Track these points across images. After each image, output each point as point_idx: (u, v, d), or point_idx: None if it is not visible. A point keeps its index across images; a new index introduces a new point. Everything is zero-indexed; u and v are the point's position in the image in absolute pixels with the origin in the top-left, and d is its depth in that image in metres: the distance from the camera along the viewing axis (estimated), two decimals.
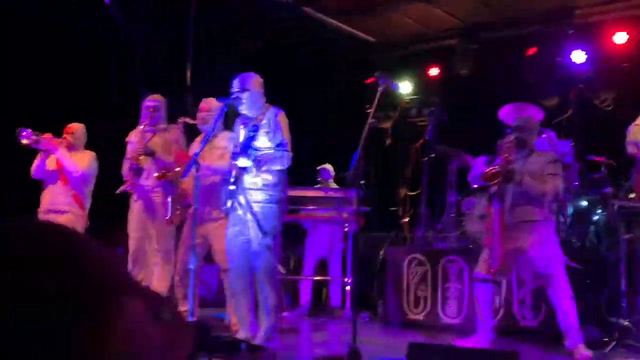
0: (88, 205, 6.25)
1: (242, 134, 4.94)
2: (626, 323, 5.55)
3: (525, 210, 5.12)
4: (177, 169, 5.63)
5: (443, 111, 8.05)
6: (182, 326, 0.60)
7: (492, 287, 5.23)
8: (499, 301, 6.00)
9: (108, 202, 6.31)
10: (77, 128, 6.30)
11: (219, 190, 5.30)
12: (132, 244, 5.97)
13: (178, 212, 5.65)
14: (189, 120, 5.87)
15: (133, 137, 6.10)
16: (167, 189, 5.73)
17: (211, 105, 5.74)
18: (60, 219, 5.94)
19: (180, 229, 5.86)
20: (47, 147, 6.05)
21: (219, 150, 5.58)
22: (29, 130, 5.96)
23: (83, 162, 6.16)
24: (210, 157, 5.54)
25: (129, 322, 0.55)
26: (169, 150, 5.95)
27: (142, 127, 6.00)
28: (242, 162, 4.76)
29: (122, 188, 5.95)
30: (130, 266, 5.96)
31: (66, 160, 6.05)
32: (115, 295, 0.55)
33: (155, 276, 5.91)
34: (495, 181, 5.02)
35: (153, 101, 6.08)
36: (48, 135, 6.06)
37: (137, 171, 5.83)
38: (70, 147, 6.17)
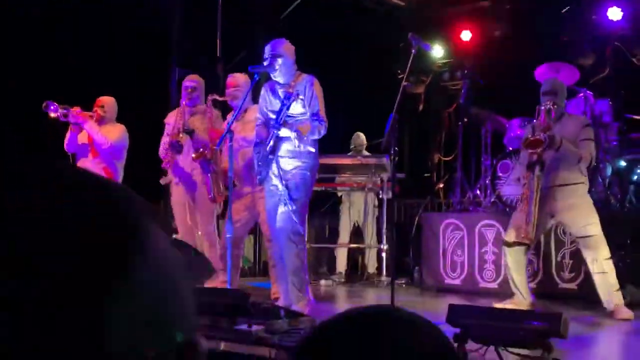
0: (120, 177, 6.22)
1: (273, 102, 4.91)
2: None
3: (558, 175, 5.07)
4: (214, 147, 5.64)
5: (476, 74, 7.93)
6: (196, 252, 0.61)
7: (524, 251, 5.18)
8: (534, 264, 5.96)
9: (139, 180, 6.35)
10: (108, 101, 6.30)
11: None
12: (180, 229, 6.01)
13: (221, 190, 5.65)
14: (217, 97, 5.86)
15: (171, 118, 6.11)
16: (205, 167, 5.74)
17: (238, 80, 5.72)
18: None
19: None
20: (76, 120, 6.04)
21: (251, 123, 5.57)
22: (56, 104, 5.99)
23: (112, 134, 6.14)
24: (244, 131, 5.55)
25: (157, 247, 0.54)
26: (206, 130, 5.95)
27: (181, 107, 6.03)
28: (284, 132, 4.74)
29: (163, 179, 5.99)
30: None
31: (95, 133, 6.05)
32: (141, 220, 0.55)
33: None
34: (538, 149, 4.95)
35: (191, 81, 6.07)
36: (77, 109, 6.07)
37: (177, 148, 5.83)
38: (101, 120, 6.19)
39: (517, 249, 5.17)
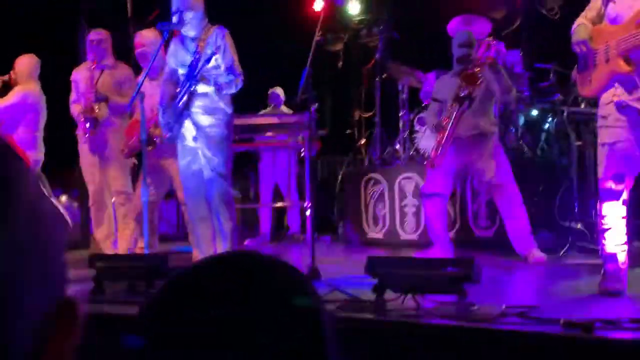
0: (32, 143, 5.93)
1: (185, 55, 4.77)
2: (578, 226, 5.70)
3: (473, 124, 5.16)
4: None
5: (392, 29, 7.94)
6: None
7: (441, 200, 5.30)
8: (451, 215, 6.10)
9: (55, 142, 6.14)
10: (19, 61, 5.99)
11: None
12: (90, 190, 5.90)
13: (130, 144, 5.55)
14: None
15: (79, 75, 5.91)
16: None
17: (145, 38, 5.57)
18: None
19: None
20: None
21: None
22: None
23: (7, 98, 5.87)
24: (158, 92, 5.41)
25: (29, 192, 0.52)
26: (120, 90, 5.79)
27: (88, 65, 5.83)
28: (203, 88, 4.62)
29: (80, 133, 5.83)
30: (93, 211, 5.90)
31: None
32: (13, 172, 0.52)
33: (120, 218, 5.89)
34: (476, 83, 4.99)
35: (97, 34, 5.89)
36: None
37: (93, 122, 5.69)
38: (14, 83, 5.92)
39: (435, 200, 5.27)
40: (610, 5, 3.65)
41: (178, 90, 4.72)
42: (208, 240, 4.86)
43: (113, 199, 5.88)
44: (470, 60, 5.19)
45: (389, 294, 3.23)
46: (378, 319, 3.09)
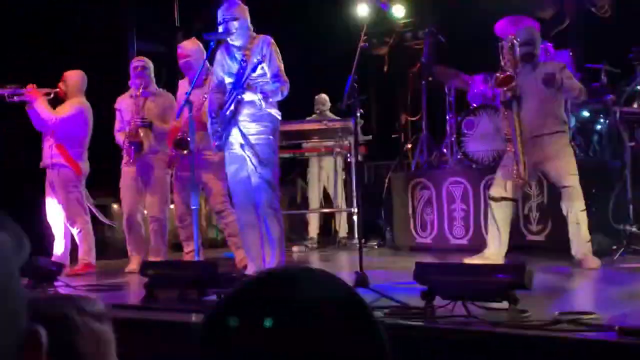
0: (80, 156, 6.01)
1: (231, 65, 4.82)
2: (633, 229, 5.56)
3: (540, 124, 5.07)
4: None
5: (438, 32, 7.89)
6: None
7: (511, 206, 5.21)
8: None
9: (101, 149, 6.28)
10: (70, 75, 6.06)
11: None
12: (126, 210, 6.00)
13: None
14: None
15: (123, 104, 6.02)
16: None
17: (187, 50, 5.65)
18: (53, 173, 5.91)
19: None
20: (27, 99, 5.83)
21: None
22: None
23: (63, 110, 5.94)
24: (204, 103, 5.48)
25: None
26: (165, 117, 5.89)
27: (132, 92, 5.94)
28: (249, 96, 4.67)
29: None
30: (126, 231, 6.01)
31: (40, 109, 5.81)
32: None
33: (152, 243, 6.03)
34: (509, 86, 4.93)
35: (139, 61, 6.01)
36: (31, 86, 5.89)
37: (138, 147, 5.81)
38: (64, 97, 6.04)
39: (504, 204, 5.18)
40: None
41: (226, 99, 4.77)
42: (256, 247, 4.89)
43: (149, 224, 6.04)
44: (533, 55, 5.11)
45: (438, 301, 3.21)
46: (427, 326, 3.07)
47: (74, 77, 6.10)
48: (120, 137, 5.99)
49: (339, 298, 0.74)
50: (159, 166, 5.92)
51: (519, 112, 4.99)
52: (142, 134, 5.78)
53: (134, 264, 5.72)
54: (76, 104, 6.00)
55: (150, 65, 6.05)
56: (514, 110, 4.99)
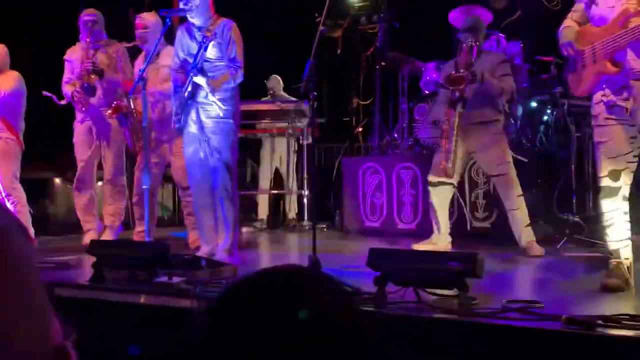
0: (21, 127, 5.94)
1: (191, 45, 4.75)
2: (576, 219, 5.73)
3: (477, 112, 5.17)
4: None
5: (393, 17, 7.92)
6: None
7: (446, 191, 5.32)
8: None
9: (43, 123, 6.14)
10: None
11: (170, 110, 5.22)
12: (80, 166, 5.90)
13: (140, 140, 5.52)
14: (125, 43, 5.71)
15: (73, 55, 5.92)
16: (122, 121, 5.62)
17: (147, 21, 5.55)
18: None
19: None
20: None
21: (165, 69, 5.43)
22: None
23: (6, 84, 5.84)
24: (156, 77, 5.40)
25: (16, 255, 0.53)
26: (115, 67, 5.81)
27: (82, 45, 5.82)
28: (199, 79, 4.61)
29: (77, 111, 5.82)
30: (75, 190, 5.92)
31: None
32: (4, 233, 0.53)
33: (107, 203, 5.93)
34: (461, 86, 5.02)
35: (90, 15, 5.90)
36: None
37: (90, 90, 5.71)
38: None
39: (442, 188, 5.29)
40: (593, 7, 3.72)
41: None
42: (211, 229, 4.87)
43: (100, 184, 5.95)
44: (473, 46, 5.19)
45: (390, 287, 3.25)
46: (379, 311, 3.11)
47: (2, 50, 5.98)
48: (68, 89, 5.86)
49: (336, 308, 0.74)
50: (114, 120, 5.81)
51: (462, 112, 5.09)
52: (93, 78, 5.67)
53: (88, 238, 5.65)
54: (15, 77, 5.91)
55: (101, 17, 5.97)
56: (457, 110, 5.09)
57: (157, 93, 5.25)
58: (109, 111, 5.57)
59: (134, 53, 5.98)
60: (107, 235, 5.84)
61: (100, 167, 6.10)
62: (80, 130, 5.90)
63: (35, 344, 0.53)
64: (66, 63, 5.94)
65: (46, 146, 6.32)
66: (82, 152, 5.89)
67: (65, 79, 5.95)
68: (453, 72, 5.14)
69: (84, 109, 5.77)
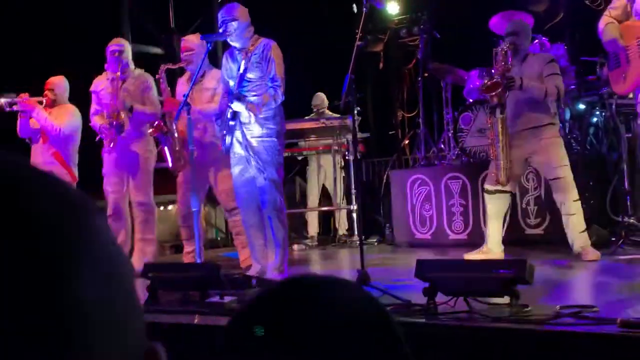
0: (74, 161, 6.09)
1: (233, 68, 4.84)
2: (631, 220, 5.59)
3: (528, 117, 5.09)
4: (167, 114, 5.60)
5: (433, 28, 7.91)
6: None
7: (506, 198, 5.24)
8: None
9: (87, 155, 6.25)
10: (57, 82, 6.10)
11: (213, 132, 5.29)
12: (110, 200, 5.90)
13: (181, 160, 5.58)
14: (170, 65, 5.74)
15: (100, 86, 5.93)
16: (162, 140, 5.67)
17: (191, 43, 5.60)
18: None
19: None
20: (24, 109, 5.88)
21: (208, 91, 5.51)
22: None
23: (61, 118, 5.97)
24: (199, 99, 5.48)
25: (103, 241, 0.52)
26: (144, 98, 5.82)
27: (109, 75, 5.85)
28: (237, 106, 4.69)
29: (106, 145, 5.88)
30: (110, 221, 5.92)
31: (42, 121, 5.88)
32: (87, 217, 0.52)
33: (139, 230, 5.95)
34: (495, 92, 4.97)
35: (117, 45, 5.87)
36: (24, 96, 5.90)
37: (120, 128, 5.73)
38: (52, 103, 6.05)
39: (498, 196, 5.22)
40: (638, 1, 3.63)
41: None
42: (261, 248, 4.92)
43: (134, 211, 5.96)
44: (516, 46, 5.13)
45: (439, 297, 3.23)
46: (430, 322, 3.09)
47: (62, 84, 6.14)
48: (96, 121, 5.86)
49: (365, 315, 0.74)
50: (142, 150, 5.85)
51: (503, 118, 5.02)
52: (123, 116, 5.74)
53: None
54: (72, 112, 6.07)
55: (128, 47, 5.96)
56: (497, 117, 5.02)
57: (197, 111, 5.30)
58: (150, 130, 5.64)
59: (174, 74, 6.05)
60: (138, 260, 5.85)
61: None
62: (109, 160, 5.89)
63: (137, 345, 0.52)
64: (92, 95, 5.95)
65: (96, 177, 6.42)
66: (113, 183, 5.88)
67: (92, 111, 5.94)
68: (488, 79, 5.09)
69: (112, 144, 5.78)
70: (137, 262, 5.80)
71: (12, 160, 0.50)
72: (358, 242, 7.12)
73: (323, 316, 0.72)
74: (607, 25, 3.78)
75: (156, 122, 5.60)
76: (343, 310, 0.74)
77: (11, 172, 0.50)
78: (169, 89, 5.69)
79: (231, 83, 4.83)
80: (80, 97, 6.18)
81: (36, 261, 0.46)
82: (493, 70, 5.15)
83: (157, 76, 5.72)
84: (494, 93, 5.00)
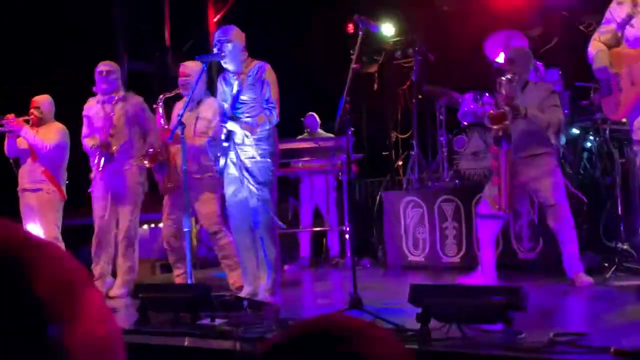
0: (63, 179, 6.08)
1: (227, 91, 4.84)
2: (625, 247, 5.58)
3: (528, 145, 5.07)
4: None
5: (427, 50, 7.93)
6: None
7: (498, 224, 5.22)
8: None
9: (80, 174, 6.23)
10: (43, 101, 6.08)
11: (199, 159, 5.34)
12: (97, 224, 5.84)
13: (170, 186, 5.57)
14: (168, 94, 5.71)
15: (91, 110, 5.88)
16: (159, 169, 5.63)
17: (189, 69, 5.59)
18: (35, 197, 5.90)
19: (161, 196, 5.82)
20: (12, 129, 5.86)
21: (204, 121, 5.48)
22: None
23: (50, 136, 5.95)
24: (196, 126, 5.45)
25: (94, 312, 0.53)
26: (136, 121, 5.81)
27: (99, 98, 5.82)
28: (232, 126, 4.69)
29: (92, 174, 5.84)
30: (94, 248, 5.84)
31: (31, 139, 5.86)
32: (76, 289, 0.53)
33: (122, 253, 5.88)
34: (503, 123, 4.94)
35: (105, 65, 5.84)
36: (10, 116, 5.87)
37: (109, 158, 5.70)
38: (38, 122, 6.02)
39: (491, 221, 5.20)
40: (628, 28, 3.65)
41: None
42: (253, 269, 4.89)
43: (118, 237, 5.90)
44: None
45: (433, 323, 3.20)
46: (423, 349, 3.06)
47: (48, 102, 6.14)
48: (87, 143, 5.83)
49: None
50: (131, 175, 5.80)
51: (509, 150, 4.99)
52: (113, 146, 5.69)
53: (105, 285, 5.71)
54: (60, 130, 6.07)
55: (117, 68, 5.92)
56: (503, 149, 4.99)
57: (191, 148, 5.27)
58: (146, 161, 5.61)
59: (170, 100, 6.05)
60: (120, 284, 5.80)
61: None
62: (98, 183, 5.83)
63: None
64: (84, 118, 5.91)
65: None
66: (100, 207, 5.81)
67: (84, 134, 5.90)
68: (493, 109, 5.05)
69: (100, 168, 5.74)
70: (120, 285, 5.76)
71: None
72: (350, 264, 7.13)
73: None
74: (597, 53, 3.80)
75: (152, 152, 5.57)
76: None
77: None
78: (164, 119, 5.66)
79: (225, 106, 4.83)
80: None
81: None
82: (498, 100, 5.08)
83: (154, 106, 5.71)
84: (499, 125, 4.96)
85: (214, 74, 7.44)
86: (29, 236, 0.55)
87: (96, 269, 5.80)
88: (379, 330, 0.75)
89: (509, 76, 5.07)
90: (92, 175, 5.86)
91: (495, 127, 4.99)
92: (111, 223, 5.86)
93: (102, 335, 0.54)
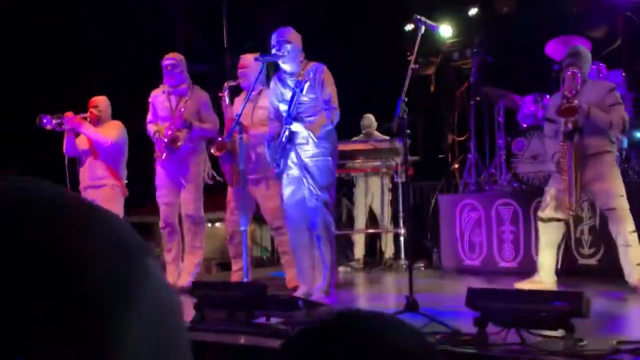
0: (124, 175, 6.21)
1: (284, 92, 4.86)
2: None
3: (588, 144, 4.93)
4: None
5: (486, 52, 7.83)
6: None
7: (561, 227, 5.11)
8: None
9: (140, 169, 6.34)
10: (102, 101, 6.24)
11: (263, 153, 5.32)
12: (162, 211, 5.97)
13: (237, 177, 5.62)
14: (232, 82, 5.80)
15: (156, 100, 6.02)
16: (227, 158, 5.70)
17: (247, 61, 5.64)
18: (97, 193, 6.02)
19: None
20: (72, 126, 6.01)
21: (264, 111, 5.52)
22: (48, 116, 5.99)
23: (111, 132, 6.09)
24: (254, 118, 5.52)
25: (156, 284, 0.51)
26: (200, 114, 5.90)
27: (165, 89, 5.95)
28: (296, 127, 4.71)
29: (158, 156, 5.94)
30: (164, 237, 6.00)
31: (93, 135, 6.01)
32: (139, 258, 0.51)
33: (188, 241, 5.99)
34: (574, 116, 4.82)
35: (170, 59, 5.93)
36: (69, 114, 6.03)
37: (173, 150, 5.80)
38: (97, 121, 6.17)
39: (553, 225, 5.09)
40: None
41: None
42: (308, 269, 4.90)
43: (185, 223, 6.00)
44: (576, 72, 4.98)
45: (490, 328, 3.15)
46: (481, 353, 3.01)
47: (105, 102, 6.29)
48: (151, 129, 5.96)
49: (414, 355, 0.71)
50: (195, 164, 5.90)
51: (577, 143, 4.86)
52: (180, 140, 5.80)
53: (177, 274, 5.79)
54: (119, 126, 6.20)
55: (182, 62, 6.00)
56: (573, 143, 4.86)
57: (251, 135, 5.35)
58: (213, 149, 5.70)
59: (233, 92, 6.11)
60: (187, 273, 5.89)
61: None
62: (161, 172, 5.96)
63: None
64: (150, 105, 6.06)
65: (148, 190, 6.50)
66: (164, 194, 5.95)
67: (148, 119, 6.06)
68: (563, 102, 4.92)
69: (164, 156, 5.84)
70: (186, 274, 5.87)
71: (67, 195, 0.49)
72: (405, 266, 7.09)
73: (367, 354, 0.69)
74: None
75: (219, 140, 5.64)
76: (389, 348, 0.71)
77: (65, 208, 0.48)
78: (231, 106, 5.74)
79: (282, 107, 4.84)
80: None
81: (84, 308, 0.44)
82: (566, 93, 4.96)
83: (220, 94, 5.79)
84: (571, 118, 4.84)
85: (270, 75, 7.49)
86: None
87: (169, 256, 5.96)
88: (410, 329, 0.74)
89: (572, 69, 4.95)
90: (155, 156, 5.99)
91: (565, 120, 4.86)
92: (175, 210, 5.97)
93: (164, 303, 0.51)
